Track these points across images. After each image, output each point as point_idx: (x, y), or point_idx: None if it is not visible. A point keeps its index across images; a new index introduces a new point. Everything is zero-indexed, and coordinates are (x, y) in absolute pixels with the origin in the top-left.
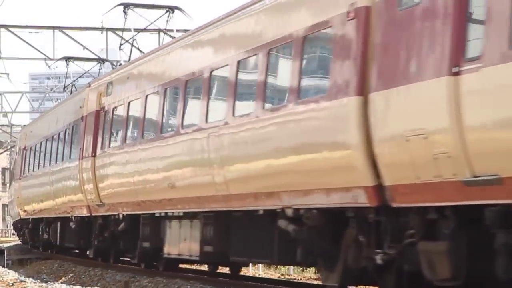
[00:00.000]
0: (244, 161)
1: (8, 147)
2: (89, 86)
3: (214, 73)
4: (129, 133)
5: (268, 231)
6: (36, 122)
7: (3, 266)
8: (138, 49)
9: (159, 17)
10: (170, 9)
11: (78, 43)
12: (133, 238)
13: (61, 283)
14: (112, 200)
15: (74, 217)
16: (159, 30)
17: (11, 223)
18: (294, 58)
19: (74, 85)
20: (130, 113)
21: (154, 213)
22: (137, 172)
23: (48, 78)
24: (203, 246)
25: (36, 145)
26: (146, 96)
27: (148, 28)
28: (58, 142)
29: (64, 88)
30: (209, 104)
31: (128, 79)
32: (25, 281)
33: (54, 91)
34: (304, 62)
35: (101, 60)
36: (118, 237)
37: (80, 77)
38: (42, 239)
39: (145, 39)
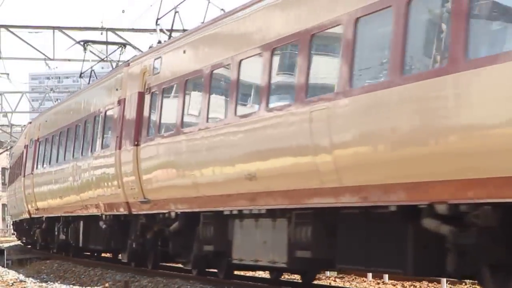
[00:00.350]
0: (369, 143)
1: (8, 147)
2: (128, 65)
3: (317, 34)
4: (187, 117)
5: (400, 233)
6: (52, 111)
7: (3, 266)
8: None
9: None
10: None
11: (78, 43)
12: (188, 240)
13: (61, 283)
14: (161, 195)
15: (105, 215)
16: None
17: (11, 223)
18: (456, 6)
19: (93, 70)
20: (188, 93)
21: (221, 211)
22: (199, 162)
23: (48, 78)
24: (293, 251)
25: (53, 136)
26: (211, 72)
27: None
28: (85, 131)
29: (80, 75)
30: (310, 75)
31: (184, 53)
32: (25, 281)
33: (54, 91)
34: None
35: (122, 45)
36: (167, 239)
37: (99, 61)
38: (58, 240)
39: (187, 11)
